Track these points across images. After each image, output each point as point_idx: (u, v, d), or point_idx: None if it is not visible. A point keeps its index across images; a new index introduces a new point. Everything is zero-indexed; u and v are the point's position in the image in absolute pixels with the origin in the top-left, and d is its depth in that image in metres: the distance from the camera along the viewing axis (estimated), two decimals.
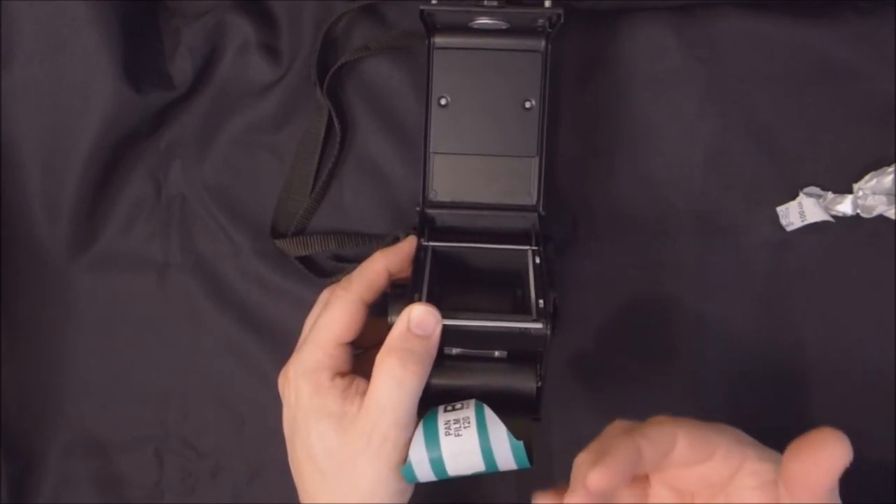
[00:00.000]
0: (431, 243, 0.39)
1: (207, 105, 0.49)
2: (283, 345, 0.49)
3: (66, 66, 0.45)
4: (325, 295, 0.39)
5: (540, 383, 0.35)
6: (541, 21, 0.39)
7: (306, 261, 0.49)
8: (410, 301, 0.34)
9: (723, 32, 0.46)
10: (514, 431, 0.33)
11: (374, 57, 0.48)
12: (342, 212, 0.49)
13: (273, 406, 0.48)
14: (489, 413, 0.34)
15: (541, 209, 0.41)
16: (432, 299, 0.35)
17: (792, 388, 0.47)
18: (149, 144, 0.49)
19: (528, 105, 0.41)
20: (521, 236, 0.40)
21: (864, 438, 0.46)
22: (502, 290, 0.39)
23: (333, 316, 0.37)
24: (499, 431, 0.33)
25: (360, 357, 0.39)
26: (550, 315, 0.34)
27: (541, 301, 0.35)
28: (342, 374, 0.36)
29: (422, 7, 0.38)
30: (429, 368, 0.34)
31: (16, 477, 0.49)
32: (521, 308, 0.38)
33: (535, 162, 0.41)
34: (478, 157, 0.41)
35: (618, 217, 0.48)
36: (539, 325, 0.34)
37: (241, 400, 0.49)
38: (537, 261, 0.38)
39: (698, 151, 0.47)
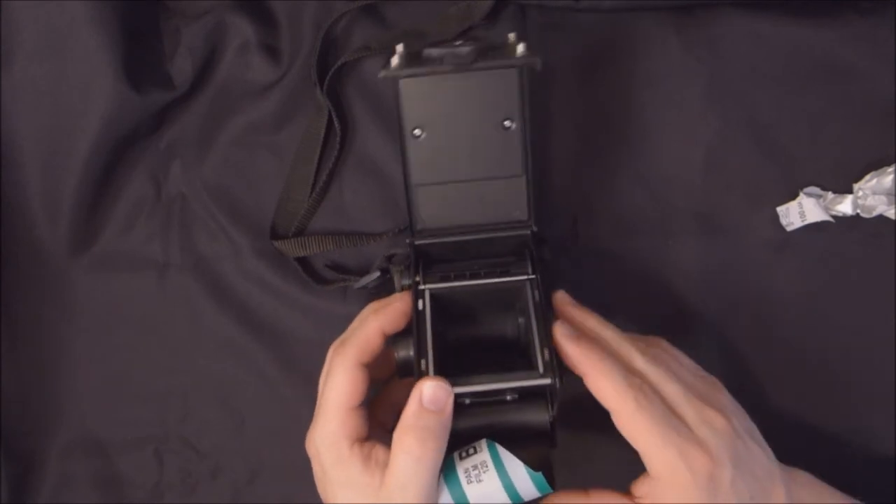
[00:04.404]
0: (428, 286, 0.38)
1: (207, 105, 0.49)
2: (283, 345, 0.49)
3: (66, 66, 0.45)
4: (331, 353, 0.39)
5: (552, 416, 0.35)
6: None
7: (306, 267, 0.49)
8: (420, 373, 0.34)
9: (723, 32, 0.46)
10: (531, 462, 0.34)
11: (374, 57, 0.48)
12: (342, 212, 0.49)
13: (273, 406, 0.49)
14: (503, 452, 0.34)
15: (533, 225, 0.40)
16: (436, 349, 0.35)
17: (792, 387, 0.47)
18: (149, 144, 0.49)
19: (507, 125, 0.37)
20: (516, 256, 0.40)
21: (864, 438, 0.46)
22: (504, 318, 0.38)
23: (336, 384, 0.37)
24: (516, 468, 0.34)
25: (375, 403, 0.40)
26: (556, 366, 0.34)
27: (546, 351, 0.34)
28: (360, 441, 0.36)
29: (382, 74, 0.36)
30: (446, 439, 0.34)
31: (16, 477, 0.49)
32: (525, 338, 0.37)
33: (523, 180, 0.39)
34: (462, 184, 0.39)
35: (618, 217, 0.47)
36: (547, 381, 0.34)
37: (241, 400, 0.49)
38: (536, 297, 0.37)
39: (698, 151, 0.47)
